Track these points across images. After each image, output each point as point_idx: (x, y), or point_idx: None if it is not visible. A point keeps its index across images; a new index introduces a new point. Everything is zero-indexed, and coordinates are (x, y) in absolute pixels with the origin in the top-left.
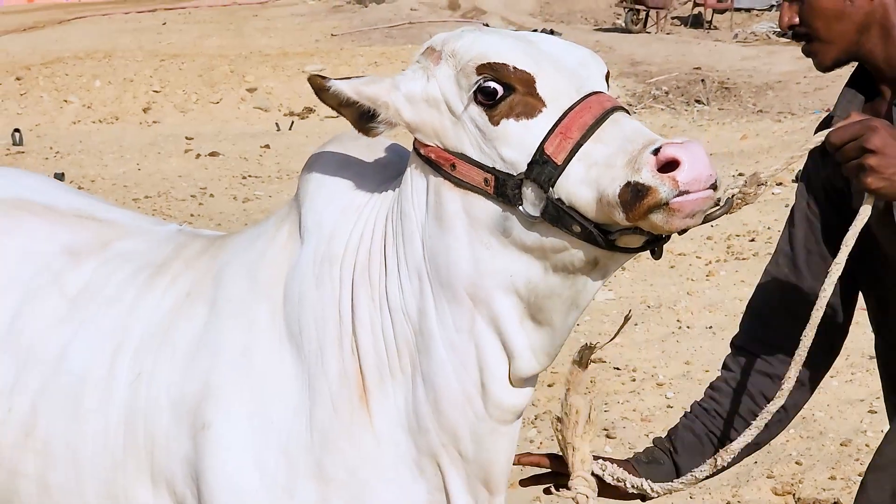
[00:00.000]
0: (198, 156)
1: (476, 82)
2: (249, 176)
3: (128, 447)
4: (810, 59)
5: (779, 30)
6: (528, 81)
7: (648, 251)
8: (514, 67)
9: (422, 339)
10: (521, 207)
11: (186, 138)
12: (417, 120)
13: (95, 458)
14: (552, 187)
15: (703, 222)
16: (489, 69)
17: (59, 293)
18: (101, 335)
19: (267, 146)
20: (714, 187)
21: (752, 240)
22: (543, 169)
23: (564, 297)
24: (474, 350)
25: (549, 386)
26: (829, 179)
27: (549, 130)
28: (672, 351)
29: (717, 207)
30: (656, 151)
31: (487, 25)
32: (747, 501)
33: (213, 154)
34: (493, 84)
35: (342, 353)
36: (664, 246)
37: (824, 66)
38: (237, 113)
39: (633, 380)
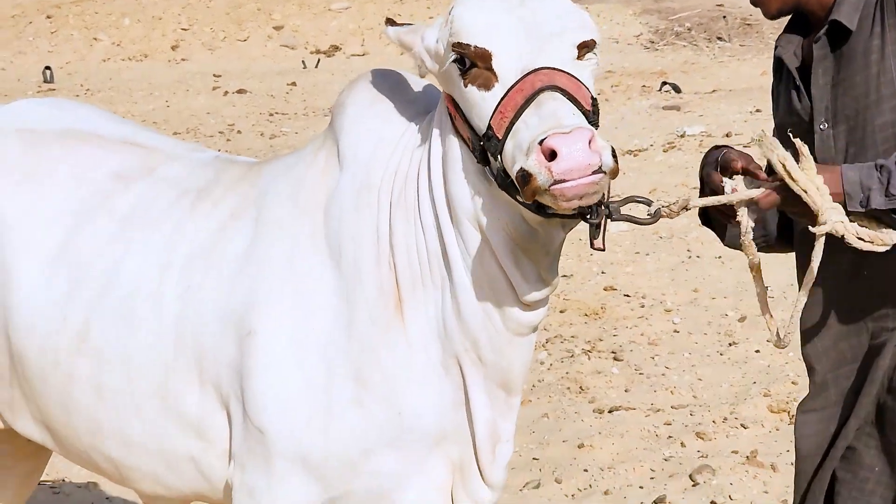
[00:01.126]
0: (225, 93)
1: (450, 56)
2: (276, 113)
3: (177, 352)
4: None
5: None
6: (486, 58)
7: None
8: (475, 46)
9: (445, 257)
10: (486, 168)
11: (214, 76)
12: (434, 70)
13: (147, 362)
14: (497, 159)
15: (632, 222)
16: (458, 47)
17: (109, 215)
18: (149, 253)
19: (293, 83)
20: (600, 171)
21: None
22: (491, 141)
23: (539, 241)
24: (486, 273)
25: (561, 312)
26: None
27: (496, 106)
28: (681, 279)
29: (648, 217)
30: (542, 140)
31: None
32: (744, 418)
33: (240, 91)
34: (462, 58)
35: (379, 269)
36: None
37: (770, 15)
38: (264, 51)
39: (642, 306)
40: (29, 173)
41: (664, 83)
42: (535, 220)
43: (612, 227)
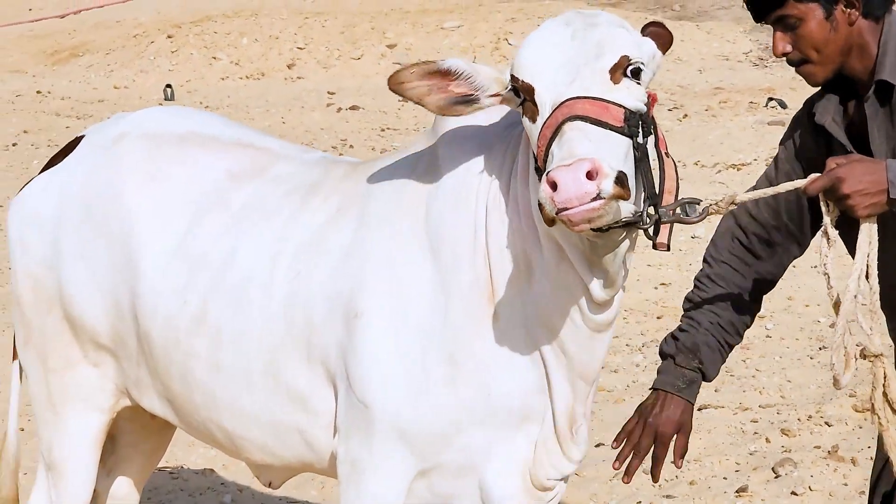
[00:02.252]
0: (339, 109)
1: (508, 88)
2: (388, 128)
3: (288, 332)
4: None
5: None
6: (530, 92)
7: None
8: (522, 81)
9: (529, 260)
10: None
11: (328, 93)
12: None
13: (260, 340)
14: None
15: (681, 223)
16: (513, 80)
17: (225, 210)
18: (262, 243)
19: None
20: (599, 197)
21: None
22: (538, 173)
23: (599, 250)
24: (561, 277)
25: (658, 318)
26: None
27: (537, 139)
28: (776, 287)
29: (696, 216)
30: (548, 172)
31: None
32: (829, 416)
33: (353, 108)
34: (515, 90)
35: (475, 263)
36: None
37: (817, 83)
38: (377, 68)
39: None
40: (153, 173)
41: (770, 99)
42: (591, 233)
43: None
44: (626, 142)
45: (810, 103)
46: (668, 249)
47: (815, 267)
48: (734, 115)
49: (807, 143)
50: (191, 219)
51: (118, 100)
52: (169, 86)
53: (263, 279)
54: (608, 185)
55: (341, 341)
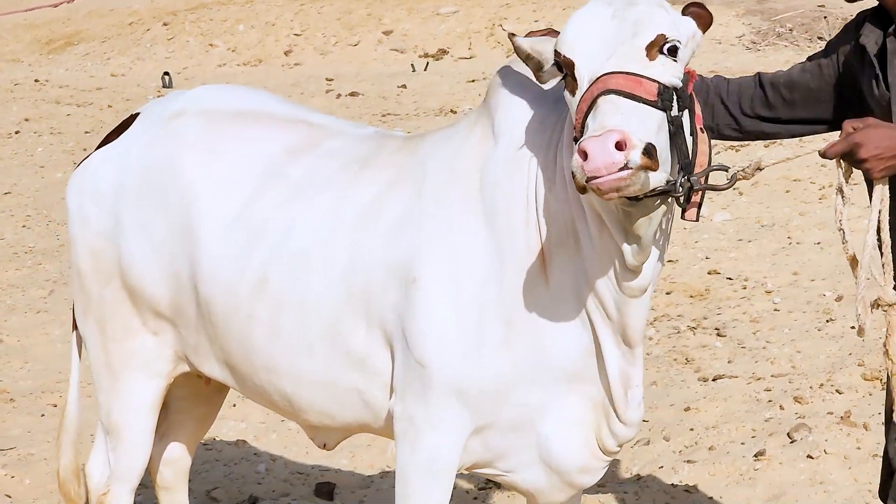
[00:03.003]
0: (338, 95)
1: (551, 63)
2: (388, 114)
3: (347, 297)
4: None
5: None
6: (571, 66)
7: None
8: (564, 56)
9: (574, 228)
10: None
11: (327, 79)
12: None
13: (319, 306)
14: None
15: (712, 189)
16: (556, 55)
17: (283, 182)
18: (321, 213)
19: (404, 86)
20: (626, 167)
21: None
22: (577, 141)
23: (634, 217)
24: (603, 243)
25: (668, 294)
26: (856, 78)
27: (575, 112)
28: (782, 263)
29: (725, 182)
30: (580, 143)
31: None
32: (840, 384)
33: (352, 94)
34: (558, 65)
35: (528, 230)
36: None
37: None
38: (374, 54)
39: (745, 287)
40: (211, 148)
41: None
42: (624, 202)
43: (717, 217)
44: (659, 115)
45: (862, 18)
46: (697, 220)
47: (818, 242)
48: None
49: (846, 48)
50: (249, 190)
51: (116, 87)
52: (167, 73)
53: (323, 247)
54: (636, 156)
55: (398, 305)
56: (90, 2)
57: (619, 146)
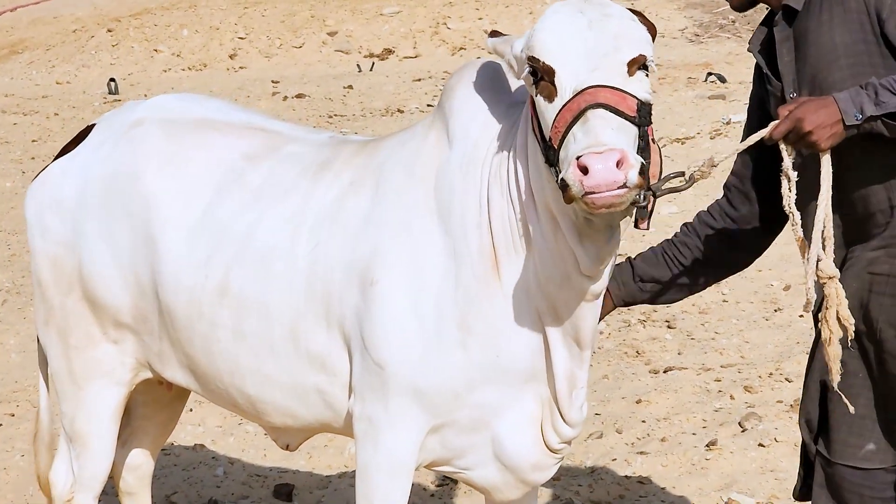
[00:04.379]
0: (284, 98)
1: (525, 67)
2: (335, 115)
3: (308, 299)
4: None
5: None
6: (551, 73)
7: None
8: (543, 62)
9: (527, 232)
10: (551, 168)
11: (273, 82)
12: (521, 74)
13: (282, 308)
14: (556, 164)
15: (673, 192)
16: (531, 61)
17: (243, 188)
18: (282, 216)
19: (350, 87)
20: (624, 186)
21: None
22: (549, 150)
23: (595, 227)
24: (557, 247)
25: None
26: (761, 97)
27: (553, 120)
28: None
29: (684, 183)
30: (580, 156)
31: None
32: (788, 373)
33: (299, 96)
34: (533, 70)
35: (480, 232)
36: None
37: (735, 7)
38: (319, 56)
39: None
40: (170, 158)
41: (709, 74)
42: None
43: (664, 210)
44: (636, 131)
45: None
46: (648, 229)
47: None
48: (673, 90)
49: (755, 82)
50: (210, 197)
51: (62, 95)
52: (112, 79)
53: (284, 250)
54: (633, 175)
55: (357, 307)
56: (33, 10)
57: (618, 164)
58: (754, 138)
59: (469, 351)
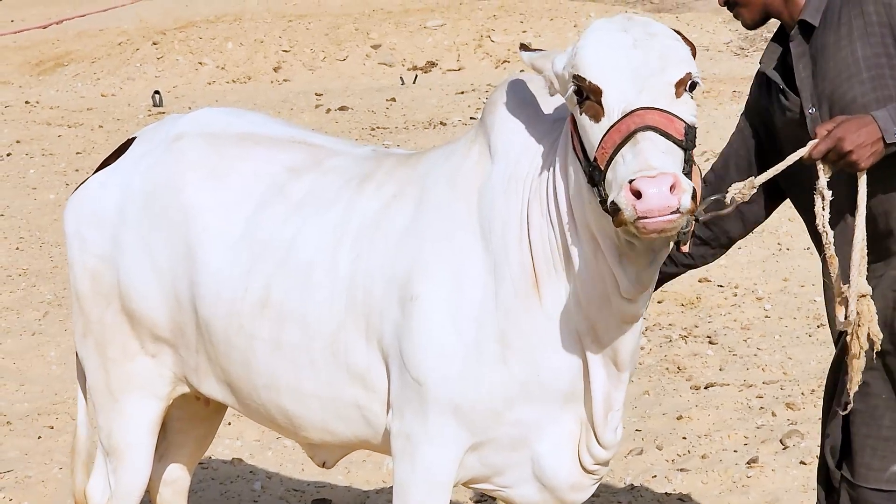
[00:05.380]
0: (328, 111)
1: (570, 86)
2: (378, 128)
3: (348, 312)
4: None
5: None
6: (598, 93)
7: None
8: (590, 82)
9: (566, 253)
10: (595, 190)
11: (316, 94)
12: (561, 91)
13: (321, 320)
14: (600, 185)
15: (716, 216)
16: (576, 79)
17: (285, 200)
18: (323, 228)
19: (392, 99)
20: (677, 211)
21: None
22: (595, 170)
23: (637, 250)
24: (598, 270)
25: (659, 302)
26: (766, 110)
27: (600, 141)
28: (771, 270)
29: (728, 205)
30: (632, 181)
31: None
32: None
33: (342, 108)
34: (579, 89)
35: (521, 249)
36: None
37: (747, 25)
38: (363, 69)
39: (735, 295)
40: (213, 170)
41: None
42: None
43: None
44: (682, 154)
45: (758, 74)
46: (689, 251)
47: (808, 248)
48: (718, 103)
49: (756, 94)
50: (252, 210)
51: (107, 107)
52: (157, 92)
53: (325, 262)
54: (686, 201)
55: (396, 322)
56: (79, 22)
57: (671, 189)
58: (793, 158)
59: (509, 368)
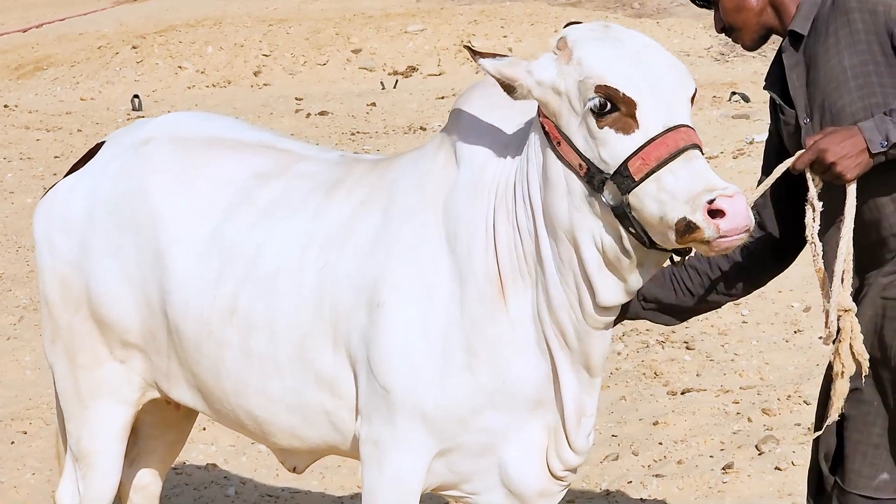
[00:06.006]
0: (308, 115)
1: (592, 98)
2: (358, 132)
3: (315, 320)
4: None
5: None
6: (631, 106)
7: (673, 254)
8: (624, 94)
9: (539, 258)
10: (601, 196)
11: (296, 99)
12: (543, 99)
13: (289, 328)
14: (627, 194)
15: None
16: (604, 90)
17: (253, 207)
18: (291, 235)
19: (373, 104)
20: (747, 230)
21: None
22: (624, 180)
23: (626, 261)
24: (573, 276)
25: None
26: (777, 130)
27: (635, 151)
28: None
29: None
30: (711, 200)
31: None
32: (807, 395)
33: (322, 113)
34: (605, 101)
35: (487, 256)
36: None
37: (747, 47)
38: (343, 73)
39: None
40: (181, 175)
41: (733, 93)
42: (639, 247)
43: None
44: None
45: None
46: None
47: None
48: (698, 108)
49: (772, 116)
50: (219, 216)
51: (86, 111)
52: (136, 96)
53: (293, 269)
54: (753, 218)
55: (364, 329)
56: (59, 26)
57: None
58: (780, 169)
59: (475, 376)
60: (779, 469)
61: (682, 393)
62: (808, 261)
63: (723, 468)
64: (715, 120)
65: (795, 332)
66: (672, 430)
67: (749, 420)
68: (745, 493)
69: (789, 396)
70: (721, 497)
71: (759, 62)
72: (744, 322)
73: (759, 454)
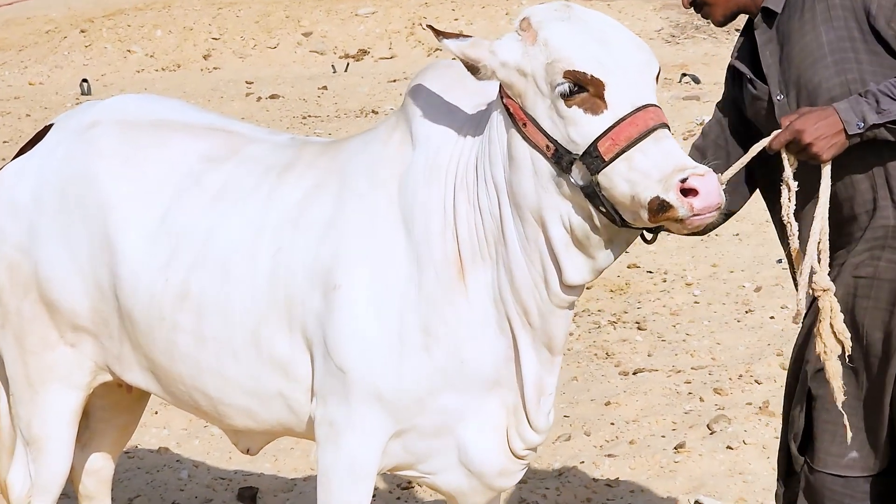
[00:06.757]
0: (258, 99)
1: (561, 83)
2: (309, 116)
3: (270, 304)
4: None
5: None
6: (600, 87)
7: (645, 232)
8: (592, 76)
9: (502, 237)
10: (570, 176)
11: (247, 82)
12: (508, 80)
13: (243, 313)
14: (596, 174)
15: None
16: (572, 75)
17: (203, 191)
18: (242, 220)
19: (324, 87)
20: (720, 208)
21: None
22: (594, 160)
23: (594, 239)
24: (538, 255)
25: (588, 288)
26: (738, 101)
27: (604, 131)
28: (701, 255)
29: None
30: (684, 180)
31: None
32: (758, 375)
33: (273, 97)
34: (573, 85)
35: (445, 238)
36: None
37: (717, 23)
38: (294, 57)
39: (664, 280)
40: (128, 159)
41: (684, 74)
42: (609, 225)
43: None
44: None
45: (730, 67)
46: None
47: (737, 234)
48: None
49: (729, 87)
50: (169, 200)
51: (34, 96)
52: (85, 80)
53: (246, 254)
54: (724, 196)
55: (319, 311)
56: (6, 10)
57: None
58: (756, 149)
59: (432, 356)
60: (730, 448)
61: (634, 373)
62: (758, 241)
63: (675, 448)
64: (665, 101)
65: (747, 311)
66: (624, 410)
67: (701, 400)
68: (697, 472)
69: (741, 376)
70: (673, 476)
71: (710, 43)
72: (695, 302)
73: (711, 433)
